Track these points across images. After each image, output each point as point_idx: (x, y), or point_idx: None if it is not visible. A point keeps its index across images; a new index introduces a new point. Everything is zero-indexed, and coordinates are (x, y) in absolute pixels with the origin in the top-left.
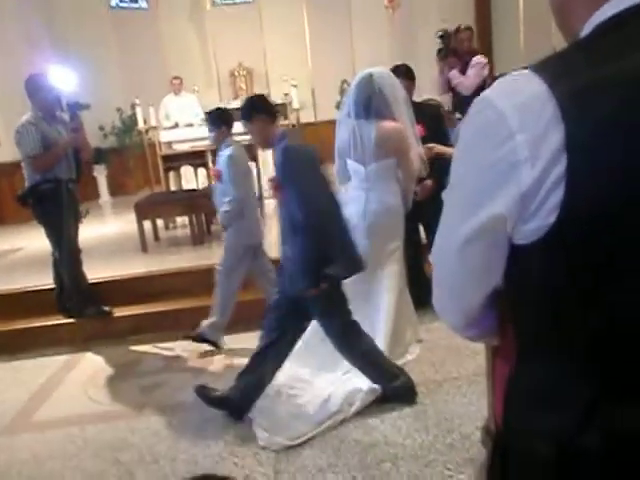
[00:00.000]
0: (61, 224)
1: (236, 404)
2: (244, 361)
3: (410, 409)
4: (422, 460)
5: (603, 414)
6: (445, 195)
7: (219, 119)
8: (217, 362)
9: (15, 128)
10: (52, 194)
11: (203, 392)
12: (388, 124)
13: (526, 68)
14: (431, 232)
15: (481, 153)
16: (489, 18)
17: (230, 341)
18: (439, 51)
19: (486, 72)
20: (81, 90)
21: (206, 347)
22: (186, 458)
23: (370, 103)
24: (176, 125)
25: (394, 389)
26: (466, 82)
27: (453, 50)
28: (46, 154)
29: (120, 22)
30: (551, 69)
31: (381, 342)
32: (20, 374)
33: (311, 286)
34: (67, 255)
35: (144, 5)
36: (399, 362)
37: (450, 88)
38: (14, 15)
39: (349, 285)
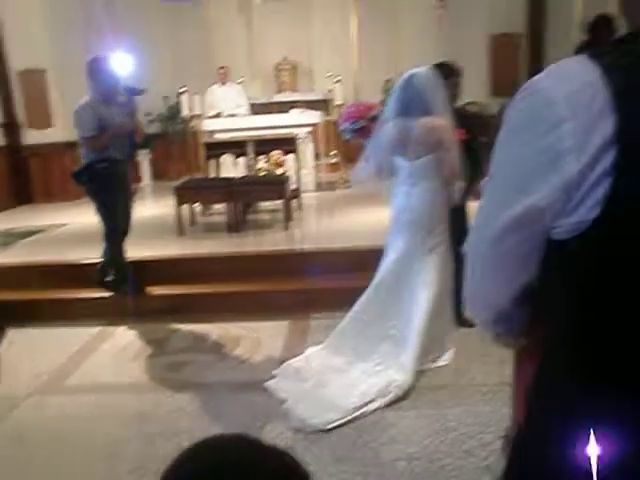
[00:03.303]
0: (111, 202)
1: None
2: (271, 345)
3: (431, 410)
4: (437, 463)
5: (628, 423)
6: (484, 184)
7: None
8: (244, 345)
9: (74, 109)
10: (105, 173)
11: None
12: (428, 119)
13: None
14: None
15: (525, 140)
16: (543, 23)
17: (256, 328)
18: (581, 46)
19: None
20: (132, 76)
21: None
22: (206, 435)
23: (411, 103)
24: (219, 114)
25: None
26: None
27: (592, 44)
28: (102, 135)
29: (171, 12)
30: (607, 57)
31: (415, 337)
32: (57, 340)
33: None
34: (112, 232)
35: None
36: (433, 365)
37: None
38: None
39: (387, 279)
